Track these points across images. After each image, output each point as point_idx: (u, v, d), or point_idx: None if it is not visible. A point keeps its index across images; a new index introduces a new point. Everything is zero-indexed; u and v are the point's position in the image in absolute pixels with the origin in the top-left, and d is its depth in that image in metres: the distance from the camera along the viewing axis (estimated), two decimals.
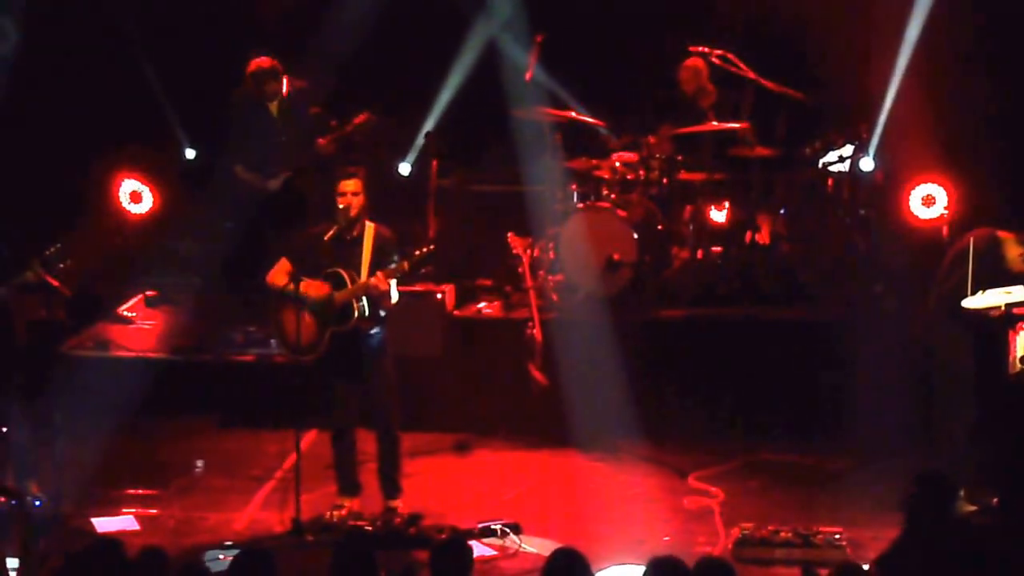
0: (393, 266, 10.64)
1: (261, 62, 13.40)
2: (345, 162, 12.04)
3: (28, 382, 11.03)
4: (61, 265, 10.65)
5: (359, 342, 10.79)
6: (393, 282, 10.69)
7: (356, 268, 10.75)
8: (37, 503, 10.74)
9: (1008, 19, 14.00)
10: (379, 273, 10.60)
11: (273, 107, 13.55)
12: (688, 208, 13.85)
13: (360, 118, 13.71)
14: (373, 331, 10.82)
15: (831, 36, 13.88)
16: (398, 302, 10.83)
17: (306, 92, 13.70)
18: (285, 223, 13.46)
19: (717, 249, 13.89)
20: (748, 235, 13.90)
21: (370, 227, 10.85)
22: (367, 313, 10.73)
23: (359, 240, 10.80)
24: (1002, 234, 10.83)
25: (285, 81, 13.50)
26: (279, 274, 10.84)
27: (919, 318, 11.14)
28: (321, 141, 13.61)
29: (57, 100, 14.71)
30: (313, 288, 10.70)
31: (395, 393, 11.01)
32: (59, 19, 14.63)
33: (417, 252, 10.67)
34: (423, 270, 10.63)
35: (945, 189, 13.94)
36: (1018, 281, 10.64)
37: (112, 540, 7.76)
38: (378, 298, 10.69)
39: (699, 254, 13.80)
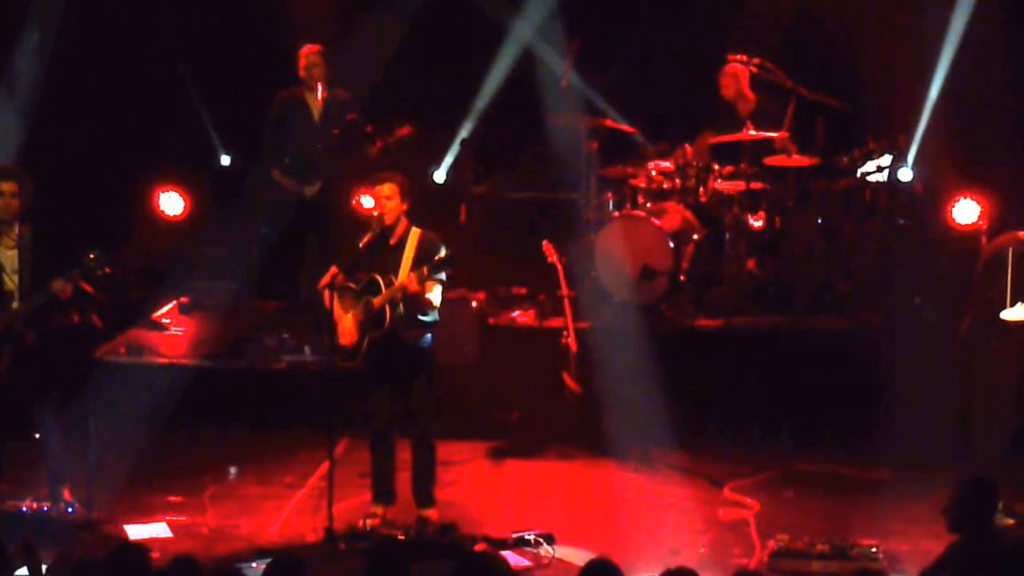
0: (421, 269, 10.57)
1: (315, 46, 13.46)
2: (380, 169, 12.00)
3: (61, 388, 11.01)
4: (99, 273, 10.61)
5: (398, 348, 10.70)
6: (437, 287, 10.62)
7: (397, 273, 10.65)
8: (70, 509, 10.73)
9: None
10: (410, 274, 10.55)
11: (315, 112, 13.55)
12: (725, 217, 13.78)
13: (404, 130, 13.67)
14: (415, 338, 10.75)
15: (870, 45, 13.80)
16: (438, 308, 10.76)
17: (347, 102, 13.68)
18: (320, 230, 13.48)
19: (753, 258, 13.80)
20: (785, 245, 13.82)
21: (415, 232, 10.74)
22: (401, 317, 10.65)
23: (401, 245, 10.70)
24: None
25: (322, 88, 13.51)
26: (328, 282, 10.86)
27: (959, 329, 11.03)
28: (373, 150, 13.57)
29: (92, 105, 14.72)
30: (343, 322, 10.68)
31: (433, 402, 10.95)
32: (95, 23, 14.64)
33: (436, 258, 10.60)
34: (446, 272, 10.48)
35: (984, 199, 13.85)
36: None
37: (136, 547, 7.67)
38: (412, 300, 10.61)
39: (735, 263, 13.72)
